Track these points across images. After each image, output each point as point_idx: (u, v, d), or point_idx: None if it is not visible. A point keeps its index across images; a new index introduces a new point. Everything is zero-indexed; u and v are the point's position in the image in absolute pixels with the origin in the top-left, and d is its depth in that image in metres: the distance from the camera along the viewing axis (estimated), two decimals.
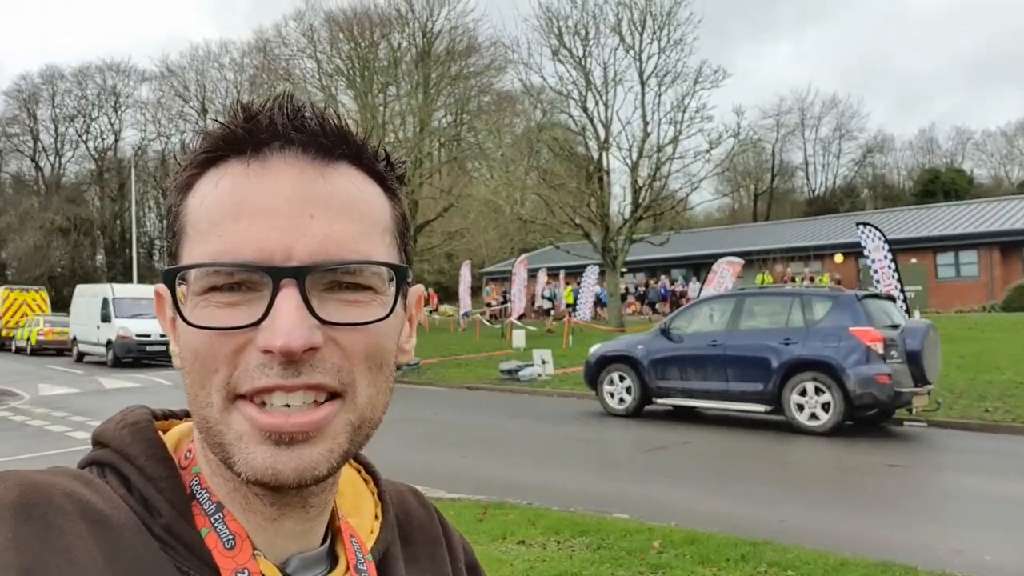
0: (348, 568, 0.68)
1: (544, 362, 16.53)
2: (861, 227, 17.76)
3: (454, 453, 9.66)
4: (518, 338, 21.48)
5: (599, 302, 31.16)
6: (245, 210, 0.59)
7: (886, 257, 16.71)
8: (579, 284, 28.58)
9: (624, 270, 34.78)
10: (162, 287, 0.63)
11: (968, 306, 27.72)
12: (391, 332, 0.63)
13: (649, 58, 29.78)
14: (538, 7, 30.70)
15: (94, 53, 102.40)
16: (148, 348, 22.37)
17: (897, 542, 5.87)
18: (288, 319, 0.56)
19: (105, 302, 23.52)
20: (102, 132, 68.29)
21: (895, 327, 10.52)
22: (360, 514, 0.74)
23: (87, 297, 25.08)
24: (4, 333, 30.90)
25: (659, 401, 12.02)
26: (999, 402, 11.80)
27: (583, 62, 29.84)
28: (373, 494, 0.77)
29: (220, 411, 0.59)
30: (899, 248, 21.52)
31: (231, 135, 0.61)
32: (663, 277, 36.20)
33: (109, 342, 22.73)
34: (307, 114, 0.61)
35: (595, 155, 29.48)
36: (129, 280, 41.93)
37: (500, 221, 38.92)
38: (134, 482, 0.62)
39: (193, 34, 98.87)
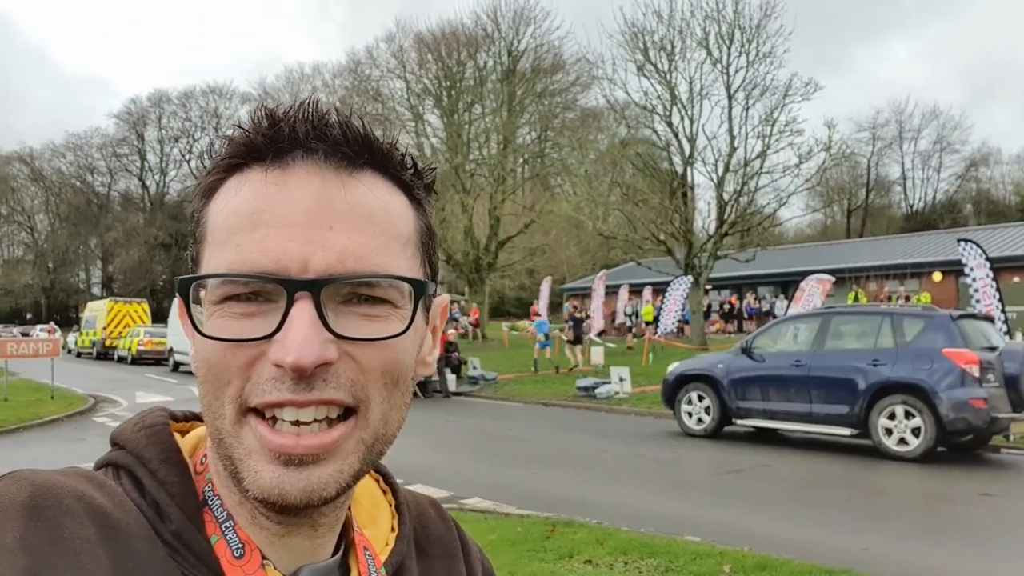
0: None
1: (621, 379, 16.36)
2: (962, 243, 16.95)
3: (525, 469, 9.64)
4: (596, 355, 21.32)
5: (683, 319, 30.65)
6: (263, 220, 0.58)
7: (988, 275, 15.88)
8: (661, 301, 28.16)
9: (709, 287, 34.13)
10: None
11: None
12: (409, 347, 0.61)
13: (737, 71, 29.28)
14: (623, 23, 30.58)
15: (199, 77, 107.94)
16: None
17: None
18: (300, 333, 0.55)
19: None
20: (204, 152, 71.49)
21: (992, 349, 9.96)
22: (376, 525, 0.73)
23: None
24: (108, 343, 32.66)
25: (739, 422, 11.71)
26: None
27: (668, 77, 29.57)
28: (391, 505, 0.76)
29: (232, 424, 0.58)
30: (1002, 266, 20.43)
31: (252, 143, 0.60)
32: (749, 295, 35.32)
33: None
34: (331, 122, 0.60)
35: (679, 170, 29.12)
36: None
37: (582, 237, 38.85)
38: (147, 486, 0.61)
39: (289, 56, 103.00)
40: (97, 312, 34.74)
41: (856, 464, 9.82)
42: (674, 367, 12.83)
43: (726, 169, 28.76)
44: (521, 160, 44.59)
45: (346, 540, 0.69)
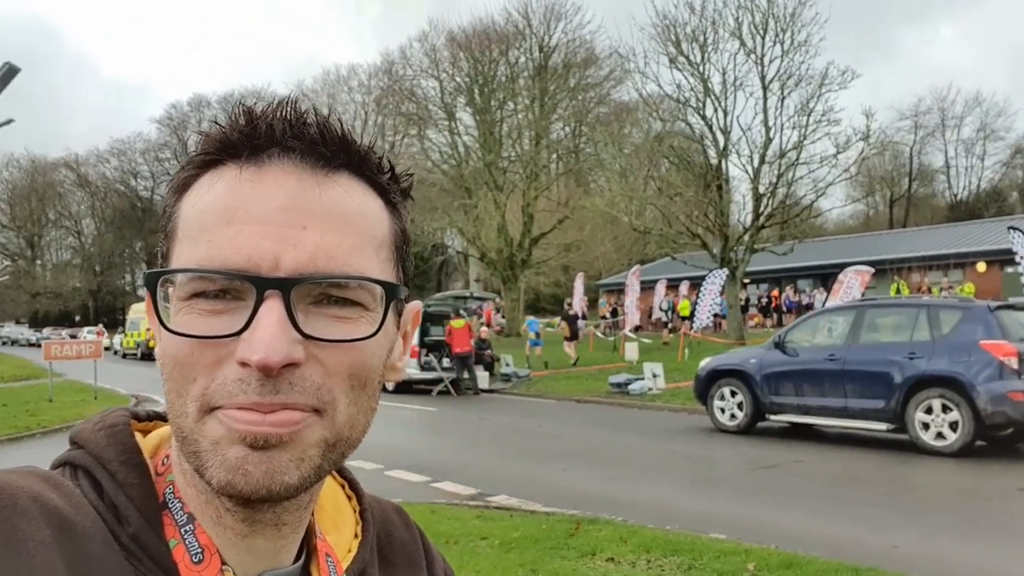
0: None
1: (655, 376, 16.24)
2: (1013, 231, 16.45)
3: (554, 466, 9.63)
4: (631, 351, 21.20)
5: (719, 314, 30.32)
6: (236, 216, 0.57)
7: None
8: (697, 295, 27.88)
9: (747, 281, 33.69)
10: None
11: None
12: (378, 351, 0.61)
13: (771, 62, 28.84)
14: (655, 15, 30.30)
15: (236, 81, 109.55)
16: None
17: (1018, 574, 5.38)
18: (268, 332, 0.54)
19: None
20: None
21: None
22: (339, 531, 0.72)
23: None
24: (152, 344, 33.19)
25: (772, 418, 11.55)
26: None
27: (701, 69, 29.24)
28: (355, 511, 0.75)
29: (194, 422, 0.57)
30: (1018, 263, 19.77)
31: (228, 139, 0.59)
32: (788, 288, 34.80)
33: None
34: (308, 121, 0.59)
35: (714, 163, 28.79)
36: None
37: (617, 232, 38.64)
38: (105, 487, 0.60)
39: (326, 58, 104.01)
40: (141, 314, 35.49)
41: (892, 459, 9.63)
42: (706, 362, 12.70)
43: (761, 161, 28.36)
44: (555, 156, 44.50)
45: (308, 546, 0.68)
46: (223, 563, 0.61)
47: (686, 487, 8.45)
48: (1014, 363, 9.22)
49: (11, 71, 13.67)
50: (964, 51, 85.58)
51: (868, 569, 5.33)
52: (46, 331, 58.03)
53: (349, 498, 0.76)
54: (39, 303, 74.10)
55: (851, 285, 21.03)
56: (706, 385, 12.29)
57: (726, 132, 28.14)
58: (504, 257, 37.54)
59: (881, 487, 8.24)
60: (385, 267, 0.62)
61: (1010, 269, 30.57)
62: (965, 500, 7.77)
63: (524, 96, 42.19)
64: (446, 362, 18.77)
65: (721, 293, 26.18)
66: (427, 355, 18.86)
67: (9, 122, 16.76)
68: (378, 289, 0.59)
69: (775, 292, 35.23)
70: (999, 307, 10.11)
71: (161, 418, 0.68)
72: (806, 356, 11.22)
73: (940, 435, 9.63)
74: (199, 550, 0.60)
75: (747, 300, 34.25)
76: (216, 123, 0.60)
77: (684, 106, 28.77)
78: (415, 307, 0.69)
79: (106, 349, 18.39)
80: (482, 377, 18.62)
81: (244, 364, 0.55)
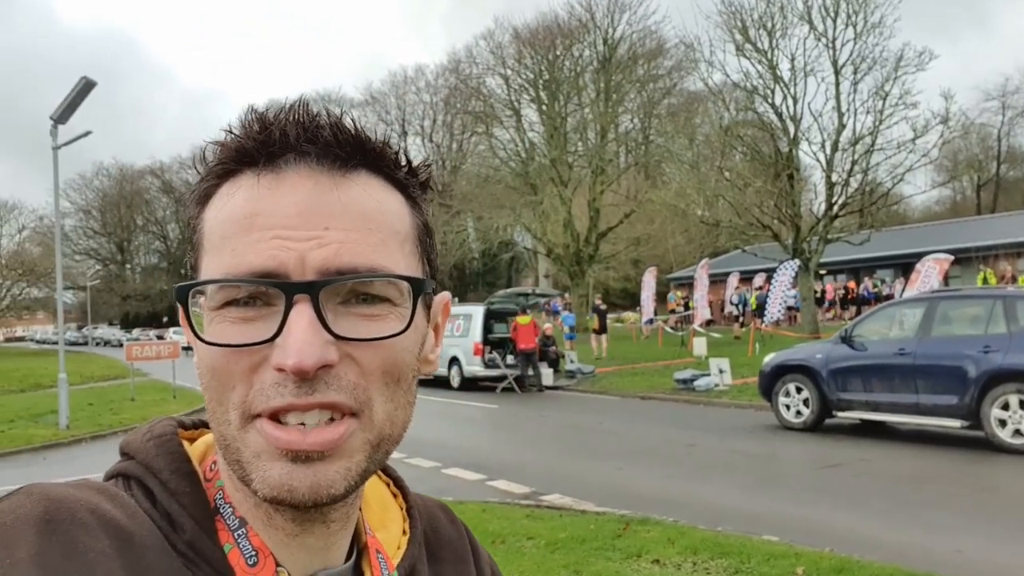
0: None
1: (721, 371, 15.92)
2: None
3: (610, 464, 9.55)
4: (699, 346, 20.84)
5: (793, 307, 29.51)
6: (257, 223, 0.58)
7: None
8: (768, 288, 27.17)
9: (823, 272, 32.67)
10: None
11: None
12: (410, 346, 0.62)
13: (843, 45, 27.87)
14: (720, 2, 29.58)
15: (308, 84, 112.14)
16: None
17: None
18: (300, 336, 0.55)
19: None
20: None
21: None
22: (387, 529, 0.73)
23: None
24: None
25: (839, 414, 11.18)
26: None
27: (769, 55, 28.48)
28: (402, 509, 0.76)
29: (237, 429, 0.58)
30: None
31: (243, 148, 0.60)
32: (867, 278, 33.59)
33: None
34: (321, 123, 0.60)
35: (784, 151, 28.02)
36: None
37: (687, 225, 38.02)
38: (158, 497, 0.62)
39: (393, 59, 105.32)
40: None
41: (966, 458, 9.20)
42: (771, 358, 12.38)
43: (834, 148, 27.44)
44: (622, 149, 44.06)
45: (359, 544, 0.69)
46: (277, 564, 0.62)
47: (743, 487, 8.26)
48: None
49: (88, 85, 14.37)
50: None
51: (924, 574, 5.11)
52: (135, 332, 60.83)
53: (395, 496, 0.77)
54: (129, 305, 77.69)
55: (929, 274, 20.18)
56: (771, 381, 11.99)
57: (796, 120, 27.35)
58: (571, 253, 37.38)
59: (951, 488, 7.88)
60: (410, 261, 0.63)
61: None
62: None
63: (590, 90, 41.89)
64: (510, 359, 18.80)
65: (793, 285, 25.47)
66: (491, 352, 18.92)
67: (87, 134, 17.56)
68: (405, 285, 0.60)
69: (852, 283, 34.06)
70: None
71: (206, 425, 0.70)
72: (875, 350, 10.81)
73: (1018, 432, 9.15)
74: (253, 553, 0.62)
75: (823, 292, 33.22)
76: (230, 131, 0.61)
77: (752, 94, 28.09)
78: (444, 298, 0.70)
79: (186, 348, 19.08)
80: (546, 374, 18.60)
81: (280, 369, 0.56)
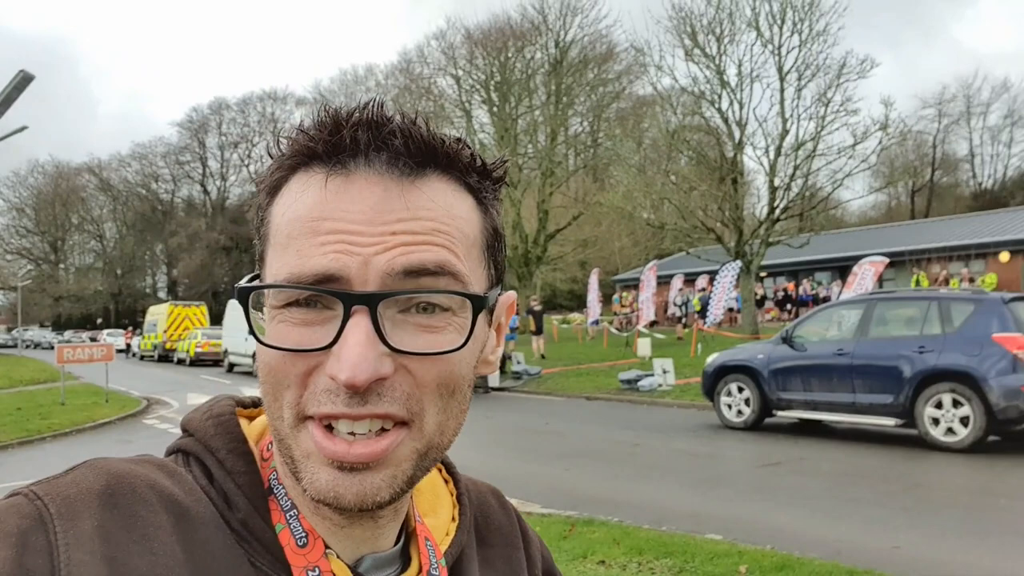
0: (421, 570, 0.68)
1: (665, 371, 16.07)
2: None
3: (557, 465, 9.51)
4: (644, 347, 21.02)
5: (734, 308, 30.01)
6: (324, 227, 0.58)
7: None
8: (711, 289, 27.57)
9: (763, 274, 33.31)
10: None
11: None
12: (467, 357, 0.61)
13: (789, 52, 28.48)
14: (671, 7, 29.95)
15: (256, 83, 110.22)
16: None
17: None
18: (356, 350, 0.55)
19: None
20: (262, 156, 73.24)
21: None
22: (437, 514, 0.74)
23: (237, 311, 26.75)
24: (168, 345, 33.70)
25: (780, 413, 11.36)
26: None
27: (717, 61, 28.94)
28: (452, 495, 0.77)
29: (290, 427, 0.59)
30: None
31: (314, 151, 0.60)
32: (806, 281, 34.39)
33: (255, 353, 24.00)
34: (393, 128, 0.59)
35: (729, 156, 28.49)
36: None
37: (633, 228, 38.43)
38: (215, 475, 0.63)
39: (343, 58, 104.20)
40: (158, 316, 35.85)
41: (900, 456, 9.41)
42: (713, 358, 12.53)
43: (777, 153, 28.02)
44: (571, 151, 44.29)
45: (407, 530, 0.70)
46: (326, 547, 0.63)
47: (687, 486, 8.31)
48: None
49: (25, 79, 13.83)
50: (1006, 30, 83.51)
51: (864, 571, 5.18)
52: (67, 334, 58.86)
53: (446, 481, 0.78)
54: (62, 306, 75.15)
55: (865, 276, 20.75)
56: (713, 381, 12.13)
57: (741, 125, 27.85)
58: (519, 254, 37.43)
59: (887, 485, 8.05)
60: (476, 268, 0.62)
61: None
62: (973, 499, 7.55)
63: (540, 92, 42.02)
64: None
65: (735, 287, 25.90)
66: None
67: (23, 129, 16.91)
68: (466, 300, 0.59)
69: (791, 285, 34.83)
70: (1013, 299, 9.83)
71: None
72: (814, 351, 11.02)
73: (950, 430, 9.40)
74: (303, 534, 0.63)
75: (763, 294, 33.88)
76: (302, 130, 0.61)
77: (699, 99, 28.52)
78: (510, 298, 0.69)
79: (121, 351, 18.57)
80: (492, 375, 18.54)
81: (333, 379, 0.56)
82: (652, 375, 16.10)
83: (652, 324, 27.29)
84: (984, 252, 30.31)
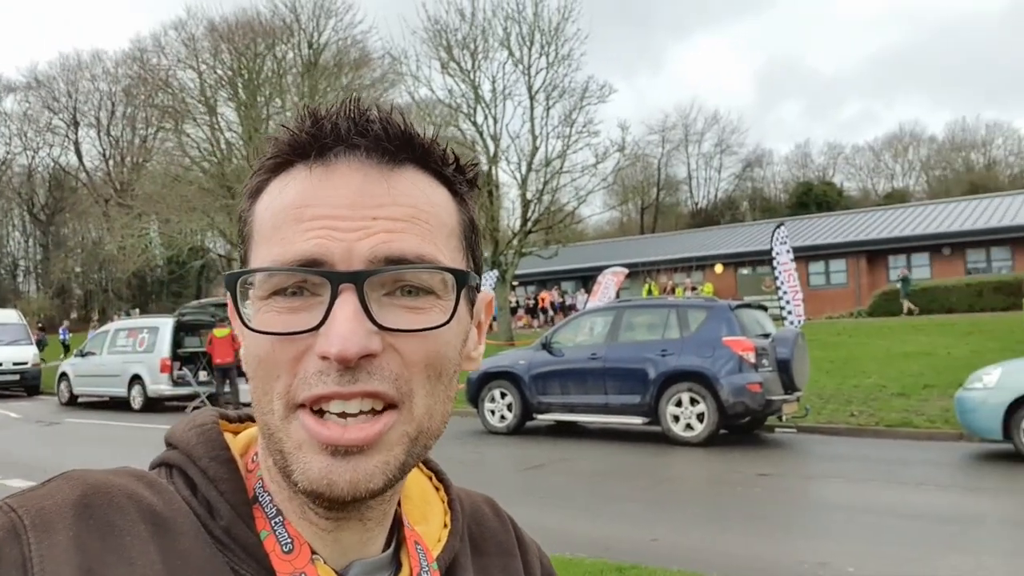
0: (412, 575, 0.67)
1: None
2: (778, 230, 17.83)
3: None
4: None
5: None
6: (307, 213, 0.59)
7: (791, 261, 17.01)
8: None
9: (515, 283, 34.75)
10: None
11: (837, 312, 29.05)
12: (453, 339, 0.62)
13: (538, 73, 29.97)
14: (426, 19, 30.33)
15: None
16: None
17: (764, 558, 5.79)
18: (345, 325, 0.56)
19: None
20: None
21: (766, 336, 10.69)
22: (428, 522, 0.73)
23: None
24: None
25: (540, 417, 11.82)
26: (864, 406, 12.21)
27: (472, 75, 29.73)
28: (443, 502, 0.75)
29: (281, 419, 0.59)
30: (773, 257, 22.24)
31: (297, 141, 0.61)
32: (554, 290, 36.43)
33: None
34: (372, 118, 0.61)
35: (485, 169, 29.38)
36: None
37: None
38: (198, 483, 0.63)
39: (65, 42, 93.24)
40: None
41: (648, 452, 10.18)
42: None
43: (529, 168, 29.39)
44: None
45: (398, 536, 0.69)
46: (313, 552, 0.62)
47: None
48: (751, 357, 10.11)
49: None
50: (718, 67, 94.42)
51: (631, 567, 5.45)
52: None
53: (437, 489, 0.76)
54: None
55: (608, 285, 22.38)
56: (477, 388, 12.34)
57: (496, 139, 28.84)
58: None
59: (640, 481, 8.64)
60: (455, 256, 0.63)
61: (745, 271, 34.26)
62: (714, 489, 8.34)
63: (292, 93, 40.51)
64: (203, 375, 17.38)
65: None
66: (181, 368, 17.34)
67: None
68: (449, 277, 0.60)
69: (544, 294, 36.73)
70: (738, 306, 11.07)
71: (252, 419, 0.70)
72: (570, 356, 11.61)
73: (689, 426, 10.34)
74: (289, 540, 0.62)
75: (516, 302, 35.36)
76: (284, 127, 0.62)
77: (456, 112, 29.13)
78: (488, 296, 0.70)
79: None
80: (244, 390, 17.43)
81: (324, 357, 0.56)
82: None
83: None
84: (703, 264, 34.05)
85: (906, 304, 25.85)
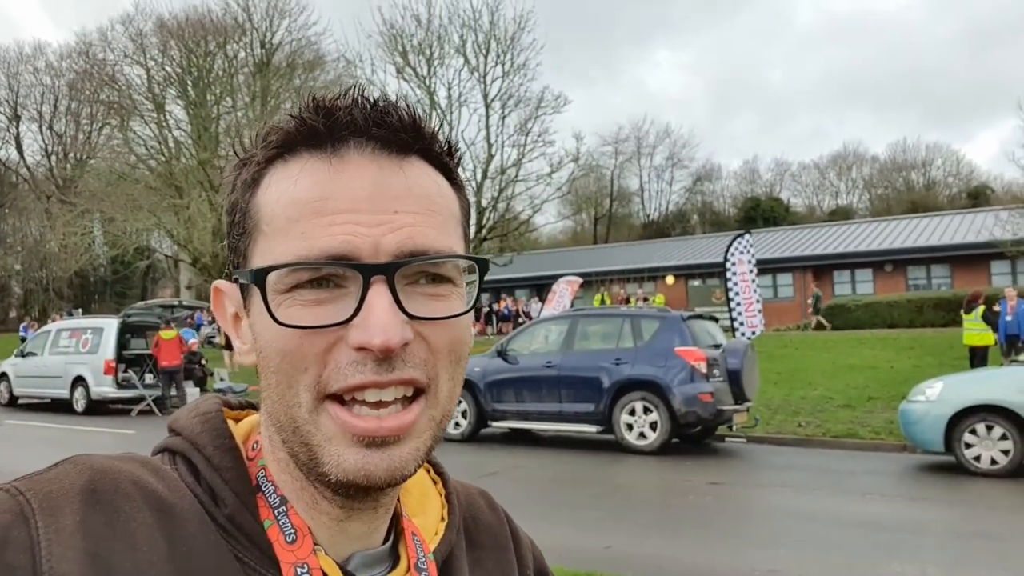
0: (409, 567, 0.67)
1: None
2: (740, 239, 17.75)
3: None
4: None
5: None
6: (327, 207, 0.58)
7: (751, 272, 17.05)
8: None
9: None
10: (223, 283, 0.66)
11: (784, 324, 29.67)
12: (469, 324, 0.63)
13: (493, 81, 30.10)
14: (382, 23, 30.24)
15: None
16: None
17: (716, 566, 5.87)
18: (384, 317, 0.56)
19: None
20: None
21: (717, 347, 10.87)
22: (425, 514, 0.73)
23: None
24: None
25: (495, 424, 11.82)
26: (811, 417, 12.49)
27: (428, 81, 29.69)
28: (441, 495, 0.76)
29: (309, 411, 0.58)
30: (722, 271, 22.63)
31: (308, 130, 0.60)
32: (507, 297, 36.48)
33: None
34: (387, 108, 0.61)
35: None
36: None
37: None
38: (202, 471, 0.63)
39: (13, 32, 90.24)
40: None
41: (602, 460, 10.25)
42: None
43: (484, 176, 29.46)
44: None
45: (396, 528, 0.70)
46: (315, 543, 0.63)
47: None
48: (703, 367, 10.27)
49: None
50: (674, 79, 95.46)
51: (586, 574, 5.49)
52: None
53: (435, 482, 0.77)
54: None
55: (563, 294, 22.50)
56: None
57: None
58: (219, 262, 35.06)
59: (594, 488, 8.69)
60: (461, 243, 0.64)
61: (695, 282, 34.79)
62: (666, 497, 8.44)
63: (244, 93, 39.90)
64: (149, 378, 16.97)
65: None
66: (126, 371, 16.90)
67: None
68: (472, 265, 0.62)
69: (501, 302, 36.78)
70: (690, 317, 11.24)
71: (252, 407, 0.71)
72: (525, 363, 11.64)
73: (642, 435, 10.44)
74: (292, 530, 0.62)
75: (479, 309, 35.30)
76: (291, 115, 0.61)
77: None
78: None
79: None
80: (192, 394, 17.06)
81: (361, 348, 0.56)
82: None
83: None
84: (655, 275, 34.45)
85: (816, 319, 26.95)
